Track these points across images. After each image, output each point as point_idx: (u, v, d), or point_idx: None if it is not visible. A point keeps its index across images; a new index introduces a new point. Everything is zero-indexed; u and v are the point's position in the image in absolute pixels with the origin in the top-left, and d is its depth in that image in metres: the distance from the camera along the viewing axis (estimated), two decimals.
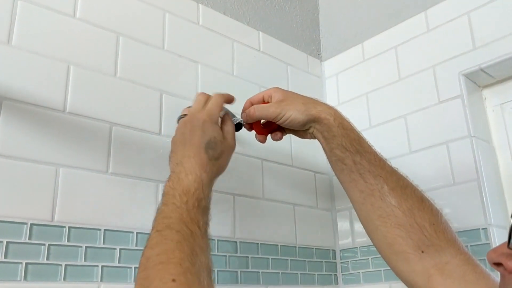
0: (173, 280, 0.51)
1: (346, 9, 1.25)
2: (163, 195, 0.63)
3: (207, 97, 0.75)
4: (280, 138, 0.80)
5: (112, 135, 0.79)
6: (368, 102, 1.12)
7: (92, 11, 0.82)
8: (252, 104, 0.78)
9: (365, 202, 0.67)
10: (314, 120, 0.73)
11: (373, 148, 0.72)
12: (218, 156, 0.69)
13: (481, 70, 0.94)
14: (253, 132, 0.82)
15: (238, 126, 0.81)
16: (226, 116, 0.77)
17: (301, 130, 0.76)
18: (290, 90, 1.13)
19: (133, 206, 0.79)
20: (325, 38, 1.28)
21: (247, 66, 1.06)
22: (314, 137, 0.76)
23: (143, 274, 0.53)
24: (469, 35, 0.96)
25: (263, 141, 0.80)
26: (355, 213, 1.08)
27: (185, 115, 0.74)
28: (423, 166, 0.99)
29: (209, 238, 0.61)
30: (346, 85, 1.19)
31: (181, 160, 0.66)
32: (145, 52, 0.88)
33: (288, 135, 0.81)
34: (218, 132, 0.70)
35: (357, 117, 1.12)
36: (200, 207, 0.61)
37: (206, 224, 0.62)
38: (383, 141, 1.07)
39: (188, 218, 0.59)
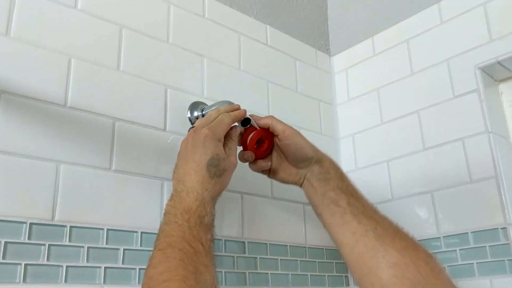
0: None
1: (355, 2, 1.21)
2: (165, 214, 0.63)
3: (219, 115, 0.74)
4: (262, 168, 0.79)
5: (115, 130, 0.76)
6: (379, 97, 1.09)
7: (94, 2, 0.79)
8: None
9: (357, 245, 0.66)
10: (318, 161, 0.75)
11: (365, 196, 0.73)
12: (220, 173, 0.68)
13: (498, 63, 0.90)
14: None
15: (245, 121, 0.78)
16: (232, 132, 0.75)
17: (292, 169, 0.76)
18: (298, 85, 1.11)
19: (137, 205, 0.76)
20: (334, 32, 1.24)
21: (254, 61, 1.02)
22: (301, 181, 0.76)
23: None
24: (485, 27, 0.93)
25: (251, 159, 0.78)
26: None
27: (193, 126, 0.73)
28: (438, 164, 0.95)
29: (214, 255, 0.60)
30: (356, 80, 1.16)
31: (182, 178, 0.66)
32: (149, 45, 0.85)
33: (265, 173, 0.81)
34: (220, 150, 0.69)
35: (367, 113, 1.10)
36: (203, 224, 0.61)
37: (210, 241, 0.61)
38: (395, 137, 1.04)
39: (190, 236, 0.58)
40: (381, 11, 1.13)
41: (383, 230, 0.65)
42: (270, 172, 0.80)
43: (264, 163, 0.78)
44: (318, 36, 1.22)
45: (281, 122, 0.76)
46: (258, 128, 0.78)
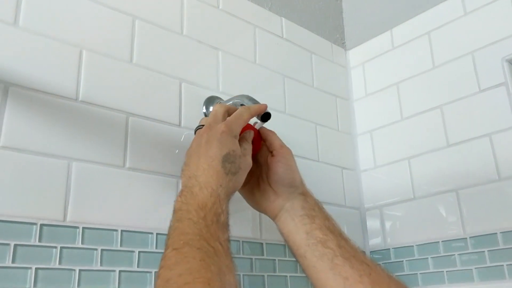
0: None
1: None
2: (175, 211, 0.57)
3: (226, 109, 0.69)
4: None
5: (128, 126, 0.72)
6: (399, 92, 1.05)
7: None
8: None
9: None
10: (303, 193, 0.69)
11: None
12: (235, 171, 0.62)
13: None
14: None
15: (265, 116, 0.74)
16: (247, 134, 0.70)
17: (271, 193, 0.69)
18: (315, 80, 1.07)
19: (153, 204, 0.72)
20: (349, 25, 1.20)
21: (270, 54, 0.98)
22: (276, 212, 0.69)
23: None
24: None
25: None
26: (386, 211, 1.03)
27: (202, 125, 0.68)
28: (463, 161, 0.91)
29: (233, 257, 0.54)
30: (373, 75, 1.11)
31: (194, 173, 0.60)
32: (163, 37, 0.81)
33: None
34: (237, 146, 0.64)
35: (386, 109, 1.06)
36: (219, 223, 0.55)
37: (228, 241, 0.55)
38: (416, 134, 1.00)
39: (208, 235, 0.52)
40: (400, 3, 1.09)
41: (377, 275, 0.59)
42: (247, 187, 0.72)
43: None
44: (333, 29, 1.18)
45: (280, 140, 0.72)
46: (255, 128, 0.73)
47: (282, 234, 0.69)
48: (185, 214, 0.55)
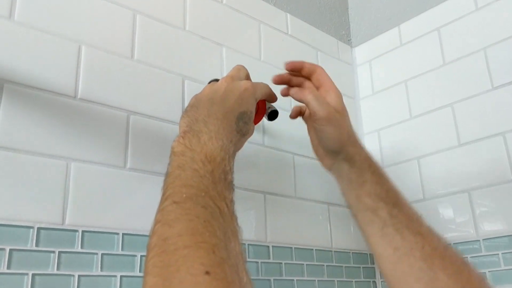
0: (207, 273, 0.36)
1: None
2: (175, 154, 0.50)
3: (247, 74, 0.64)
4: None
5: (129, 125, 0.69)
6: (408, 90, 1.02)
7: None
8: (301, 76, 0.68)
9: (400, 262, 0.57)
10: (345, 158, 0.63)
11: (409, 202, 0.62)
12: (245, 132, 0.57)
13: None
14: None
15: (272, 115, 0.71)
16: (261, 102, 0.66)
17: (322, 149, 0.66)
18: None
19: (155, 207, 0.68)
20: (355, 22, 1.17)
21: (275, 51, 0.95)
22: (329, 169, 0.66)
23: (160, 259, 0.38)
24: None
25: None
26: None
27: (216, 80, 0.63)
28: (475, 161, 0.88)
29: (237, 220, 0.47)
30: (381, 72, 1.09)
31: (203, 118, 0.53)
32: (165, 33, 0.78)
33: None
34: (254, 109, 0.59)
35: (394, 107, 1.03)
36: (227, 182, 0.49)
37: (233, 202, 0.48)
38: (426, 133, 0.97)
39: (214, 192, 0.45)
40: None
41: (431, 249, 0.56)
42: (308, 127, 0.69)
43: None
44: (339, 26, 1.15)
45: (320, 100, 0.63)
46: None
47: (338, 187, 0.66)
48: (189, 162, 0.48)
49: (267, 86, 0.64)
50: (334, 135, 0.63)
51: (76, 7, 0.68)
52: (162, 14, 0.78)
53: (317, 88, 0.67)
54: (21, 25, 0.62)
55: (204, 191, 0.45)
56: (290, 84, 0.69)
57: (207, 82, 0.66)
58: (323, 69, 0.68)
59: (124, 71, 0.71)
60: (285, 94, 0.69)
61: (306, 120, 0.70)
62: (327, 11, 1.12)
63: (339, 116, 0.63)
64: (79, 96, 0.65)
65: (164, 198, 0.45)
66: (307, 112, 0.69)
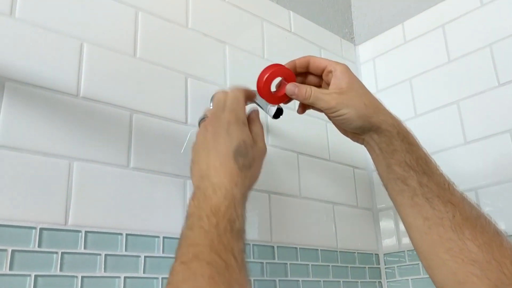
0: None
1: None
2: (187, 217, 0.52)
3: (226, 94, 0.63)
4: (300, 112, 0.70)
5: (132, 124, 0.68)
6: (412, 88, 1.01)
7: None
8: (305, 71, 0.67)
9: (430, 232, 0.56)
10: (372, 129, 0.61)
11: (440, 169, 0.61)
12: (249, 164, 0.57)
13: None
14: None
15: (277, 113, 0.70)
16: (253, 114, 0.64)
17: (350, 133, 0.65)
18: None
19: (159, 206, 0.68)
20: (358, 20, 1.16)
21: (278, 48, 0.94)
22: (362, 144, 0.65)
23: None
24: None
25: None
26: None
27: (206, 116, 0.63)
28: (481, 158, 0.87)
29: (247, 270, 0.49)
30: (385, 70, 1.07)
31: (206, 173, 0.55)
32: (167, 30, 0.77)
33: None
34: (247, 135, 0.59)
35: (399, 105, 1.02)
36: (234, 231, 0.50)
37: (242, 252, 0.50)
38: (432, 131, 0.95)
39: (220, 246, 0.48)
40: None
41: (461, 218, 0.55)
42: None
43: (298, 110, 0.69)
44: (342, 24, 1.14)
45: (318, 95, 0.62)
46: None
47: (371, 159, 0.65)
48: (196, 220, 0.50)
49: (236, 96, 0.62)
50: (351, 114, 0.60)
51: (78, 4, 0.67)
52: (165, 12, 0.77)
53: (320, 74, 0.65)
54: (22, 22, 0.61)
55: (209, 246, 0.47)
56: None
57: (197, 122, 0.67)
58: (312, 56, 0.67)
59: (126, 69, 0.70)
60: (301, 112, 0.70)
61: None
62: (330, 9, 1.11)
63: (348, 95, 0.61)
64: (81, 95, 0.64)
65: (175, 259, 0.49)
66: None
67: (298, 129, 0.91)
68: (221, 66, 0.83)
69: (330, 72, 0.63)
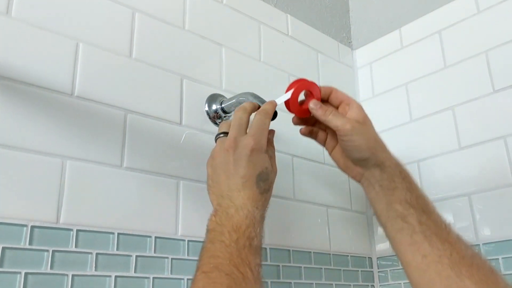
0: None
1: None
2: (208, 231, 0.56)
3: (249, 114, 0.65)
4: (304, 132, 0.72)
5: (127, 124, 0.68)
6: (408, 93, 1.01)
7: None
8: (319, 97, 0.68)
9: (428, 270, 0.57)
10: (376, 164, 0.63)
11: (437, 210, 0.62)
12: (268, 187, 0.61)
13: None
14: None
15: (273, 115, 0.70)
16: (270, 135, 0.66)
17: (351, 161, 0.66)
18: (321, 80, 1.03)
19: (151, 206, 0.68)
20: (356, 24, 1.17)
21: (275, 52, 0.95)
22: (359, 179, 0.66)
23: None
24: None
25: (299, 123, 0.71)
26: None
27: (224, 133, 0.63)
28: (476, 164, 0.88)
29: (263, 282, 0.52)
30: (381, 75, 1.08)
31: (228, 194, 0.58)
32: (164, 31, 0.77)
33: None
34: (268, 162, 0.62)
35: (395, 110, 1.02)
36: (252, 247, 0.53)
37: (259, 266, 0.53)
38: (427, 136, 0.96)
39: (238, 259, 0.51)
40: (409, 1, 1.06)
41: (459, 256, 0.56)
42: (327, 148, 0.70)
43: (314, 129, 0.70)
44: (340, 28, 1.14)
45: (339, 116, 0.64)
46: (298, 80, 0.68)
47: (367, 198, 0.67)
48: (218, 235, 0.54)
49: (263, 122, 0.63)
50: (362, 142, 0.63)
51: (75, 4, 0.68)
52: (162, 13, 0.78)
53: (337, 105, 0.67)
54: (18, 21, 0.62)
55: (228, 259, 0.51)
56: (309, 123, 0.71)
57: (215, 137, 0.66)
58: (335, 88, 0.69)
59: (122, 69, 0.70)
60: (305, 133, 0.72)
61: (327, 145, 0.71)
62: (328, 13, 1.12)
63: (363, 126, 0.64)
64: (76, 94, 0.64)
65: (196, 269, 0.52)
66: (328, 138, 0.70)
67: (293, 132, 0.91)
68: (217, 69, 0.83)
69: (348, 105, 0.66)
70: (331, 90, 0.68)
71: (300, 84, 0.67)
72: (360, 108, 0.66)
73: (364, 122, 0.65)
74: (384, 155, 0.64)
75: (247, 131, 0.63)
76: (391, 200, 0.62)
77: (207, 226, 0.56)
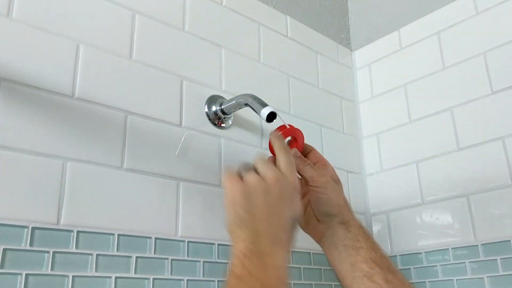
0: None
1: None
2: (232, 272, 0.49)
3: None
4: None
5: (127, 125, 0.69)
6: (407, 94, 1.02)
7: None
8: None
9: None
10: (342, 221, 0.63)
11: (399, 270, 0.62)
12: (294, 237, 0.57)
13: None
14: None
15: (271, 116, 0.70)
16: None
17: (313, 218, 0.66)
18: (320, 81, 1.03)
19: (151, 207, 0.68)
20: (355, 25, 1.17)
21: (274, 53, 0.95)
22: (321, 240, 0.65)
23: None
24: None
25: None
26: (393, 217, 0.99)
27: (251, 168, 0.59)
28: (474, 165, 0.88)
29: None
30: (380, 76, 1.08)
31: (267, 236, 0.52)
32: (164, 33, 0.78)
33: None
34: (300, 204, 0.59)
35: (394, 110, 1.03)
36: None
37: None
38: (425, 137, 0.96)
39: None
40: (408, 2, 1.06)
41: None
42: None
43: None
44: (339, 29, 1.15)
45: (317, 170, 0.65)
46: (285, 125, 0.68)
47: (327, 260, 0.65)
48: None
49: (291, 161, 0.60)
50: (333, 197, 0.64)
51: (75, 6, 0.68)
52: (162, 15, 0.78)
53: (314, 163, 0.67)
54: (19, 23, 0.62)
55: None
56: None
57: (241, 169, 0.58)
58: (315, 149, 0.70)
59: (122, 71, 0.71)
60: None
61: None
62: (327, 14, 1.12)
63: (336, 184, 0.66)
64: (76, 95, 0.65)
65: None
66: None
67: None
68: (216, 70, 0.84)
69: (324, 165, 0.67)
70: (311, 149, 0.69)
71: (288, 130, 0.67)
72: (334, 171, 0.68)
73: (337, 182, 0.67)
74: (350, 215, 0.64)
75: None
76: (356, 260, 0.61)
77: (233, 265, 0.49)
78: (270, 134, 0.64)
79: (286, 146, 0.62)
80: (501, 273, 0.81)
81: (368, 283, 0.59)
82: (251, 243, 0.51)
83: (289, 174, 0.57)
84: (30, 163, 0.58)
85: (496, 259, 0.82)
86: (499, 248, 0.82)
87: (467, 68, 0.92)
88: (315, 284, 0.86)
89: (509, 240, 0.81)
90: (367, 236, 0.63)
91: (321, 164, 0.67)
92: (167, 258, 0.67)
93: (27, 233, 0.56)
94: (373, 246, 0.62)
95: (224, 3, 0.89)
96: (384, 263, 0.60)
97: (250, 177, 0.55)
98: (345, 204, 0.65)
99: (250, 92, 0.76)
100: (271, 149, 0.63)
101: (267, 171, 0.56)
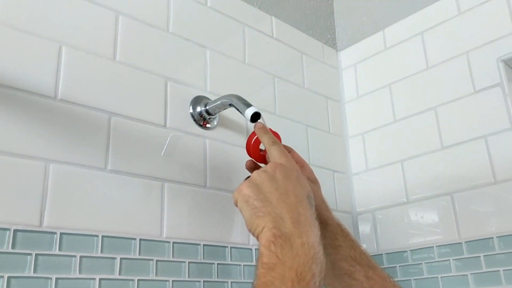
0: None
1: None
2: (262, 262, 0.47)
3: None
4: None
5: (111, 126, 0.69)
6: (392, 94, 1.02)
7: None
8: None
9: None
10: (320, 222, 0.59)
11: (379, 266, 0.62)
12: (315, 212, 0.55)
13: None
14: (272, 128, 0.71)
15: (255, 116, 0.71)
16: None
17: None
18: (305, 81, 1.04)
19: (135, 209, 0.68)
20: (340, 26, 1.18)
21: (259, 54, 0.95)
22: None
23: None
24: (508, 17, 0.87)
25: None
26: (379, 216, 1.00)
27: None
28: (458, 164, 0.89)
29: None
30: (365, 76, 1.09)
31: (289, 215, 0.50)
32: (148, 34, 0.78)
33: None
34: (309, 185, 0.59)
35: (379, 110, 1.04)
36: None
37: None
38: (409, 136, 0.97)
39: None
40: (392, 3, 1.07)
41: None
42: None
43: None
44: (325, 30, 1.15)
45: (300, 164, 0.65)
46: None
47: None
48: (278, 283, 0.44)
49: (283, 151, 0.61)
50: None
51: (58, 7, 0.68)
52: (146, 16, 0.78)
53: None
54: (1, 25, 0.61)
55: None
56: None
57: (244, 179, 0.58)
58: (294, 150, 0.70)
59: (105, 72, 0.70)
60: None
61: None
62: (312, 15, 1.13)
63: (313, 184, 0.65)
64: (59, 97, 0.64)
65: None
66: None
67: (278, 133, 0.92)
68: (201, 71, 0.84)
69: (302, 166, 0.66)
70: (290, 150, 0.69)
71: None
72: (312, 171, 0.68)
73: (315, 182, 0.66)
74: (327, 214, 0.63)
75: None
76: (336, 259, 0.60)
77: (261, 254, 0.47)
78: (254, 127, 0.64)
79: (275, 138, 0.63)
80: (484, 270, 0.82)
81: (349, 280, 0.59)
82: (274, 228, 0.49)
83: (285, 161, 0.57)
84: (12, 165, 0.58)
85: (480, 256, 0.83)
86: (482, 246, 0.83)
87: (450, 68, 0.93)
88: None
89: (492, 238, 0.82)
90: (346, 234, 0.63)
91: (299, 165, 0.67)
92: (152, 259, 0.67)
93: (9, 235, 0.56)
94: (352, 244, 0.62)
95: (208, 4, 0.89)
96: (364, 260, 0.60)
97: (252, 175, 0.56)
98: (323, 204, 0.64)
99: (235, 93, 0.76)
100: (250, 144, 0.65)
101: (264, 168, 0.57)
